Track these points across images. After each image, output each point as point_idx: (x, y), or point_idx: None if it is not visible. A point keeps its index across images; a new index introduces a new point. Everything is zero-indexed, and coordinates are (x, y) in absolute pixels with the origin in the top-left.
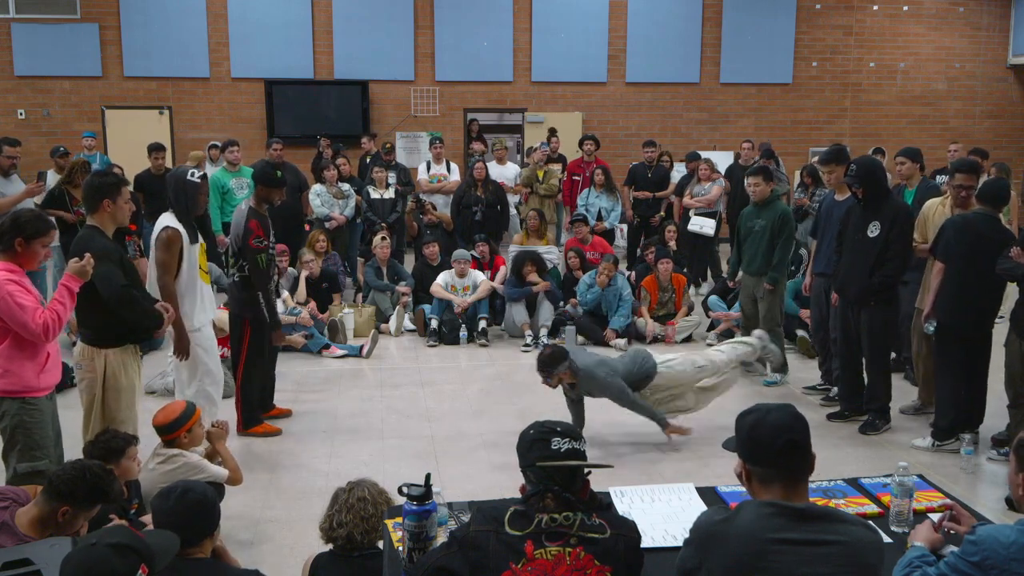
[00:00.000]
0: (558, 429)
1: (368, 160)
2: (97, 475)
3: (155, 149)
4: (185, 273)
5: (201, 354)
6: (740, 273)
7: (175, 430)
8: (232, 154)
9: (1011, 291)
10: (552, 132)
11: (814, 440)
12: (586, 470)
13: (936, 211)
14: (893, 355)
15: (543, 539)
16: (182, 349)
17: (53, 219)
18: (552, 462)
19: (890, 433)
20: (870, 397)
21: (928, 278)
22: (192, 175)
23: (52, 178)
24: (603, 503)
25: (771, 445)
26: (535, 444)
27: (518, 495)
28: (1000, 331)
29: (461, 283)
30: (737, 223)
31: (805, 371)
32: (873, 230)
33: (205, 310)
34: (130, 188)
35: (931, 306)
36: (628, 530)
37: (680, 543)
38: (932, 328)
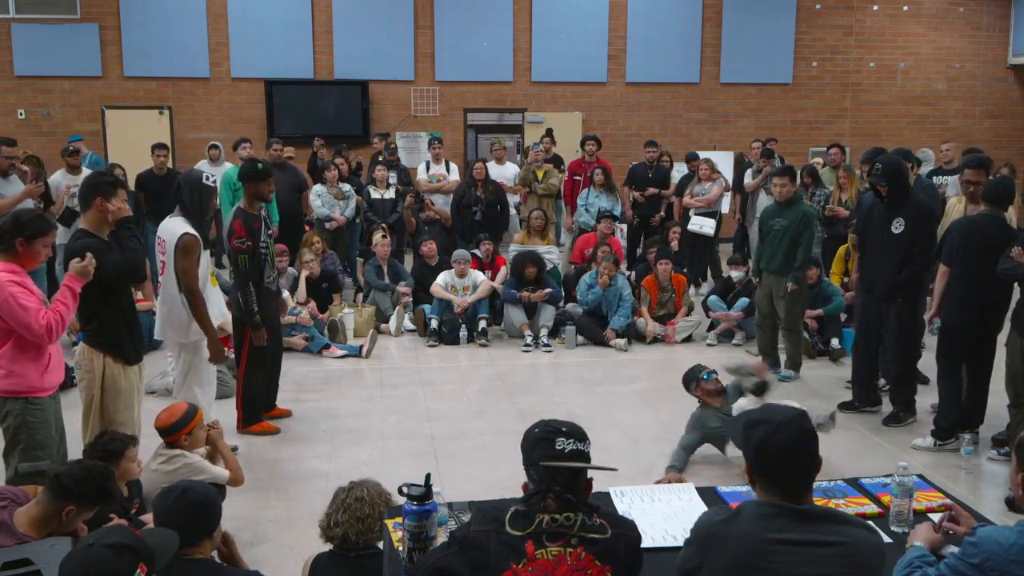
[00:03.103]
0: (563, 429)
1: (380, 160)
2: (104, 475)
3: (158, 147)
4: (202, 279)
5: (198, 361)
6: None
7: (176, 432)
8: (245, 151)
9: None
10: (547, 133)
11: None
12: (589, 472)
13: (954, 209)
14: None
15: (544, 539)
16: (217, 353)
17: (54, 219)
18: (556, 462)
19: (890, 433)
20: (896, 390)
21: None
22: (207, 179)
23: (62, 177)
24: (594, 506)
25: (777, 467)
26: (539, 443)
27: (518, 494)
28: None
29: (461, 283)
30: (759, 221)
31: (806, 370)
32: (897, 226)
33: (221, 312)
34: (129, 190)
35: (936, 307)
36: (628, 530)
37: (680, 543)
38: (935, 329)
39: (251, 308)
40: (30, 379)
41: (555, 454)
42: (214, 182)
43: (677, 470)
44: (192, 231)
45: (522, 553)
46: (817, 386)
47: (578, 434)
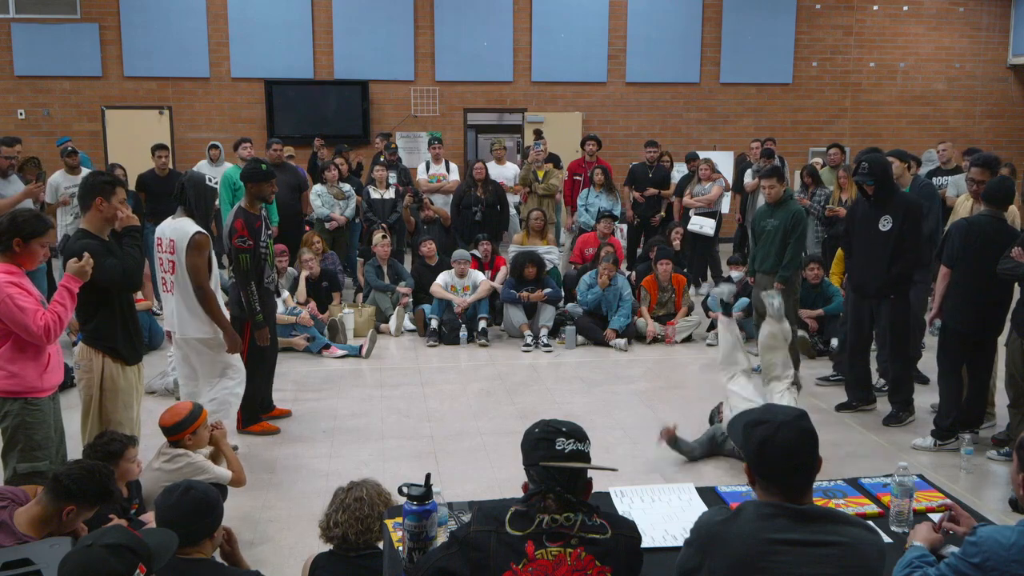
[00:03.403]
0: (563, 429)
1: (381, 160)
2: (105, 475)
3: (159, 148)
4: (212, 276)
5: (228, 357)
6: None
7: (180, 431)
8: (246, 151)
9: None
10: (537, 134)
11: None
12: (589, 472)
13: (963, 206)
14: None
15: (544, 539)
16: (235, 345)
17: (51, 219)
18: (556, 463)
19: (890, 433)
20: (894, 389)
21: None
22: (210, 180)
23: (61, 177)
24: (594, 506)
25: (779, 467)
26: (539, 443)
27: (518, 494)
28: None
29: (461, 283)
30: (752, 222)
31: (806, 370)
32: (885, 224)
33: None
34: (129, 189)
35: (937, 308)
36: (628, 530)
37: (680, 543)
38: (935, 330)
39: (254, 307)
40: (29, 379)
41: (555, 454)
42: (216, 184)
43: (672, 429)
44: (202, 230)
45: (522, 553)
46: (815, 386)
47: (578, 434)
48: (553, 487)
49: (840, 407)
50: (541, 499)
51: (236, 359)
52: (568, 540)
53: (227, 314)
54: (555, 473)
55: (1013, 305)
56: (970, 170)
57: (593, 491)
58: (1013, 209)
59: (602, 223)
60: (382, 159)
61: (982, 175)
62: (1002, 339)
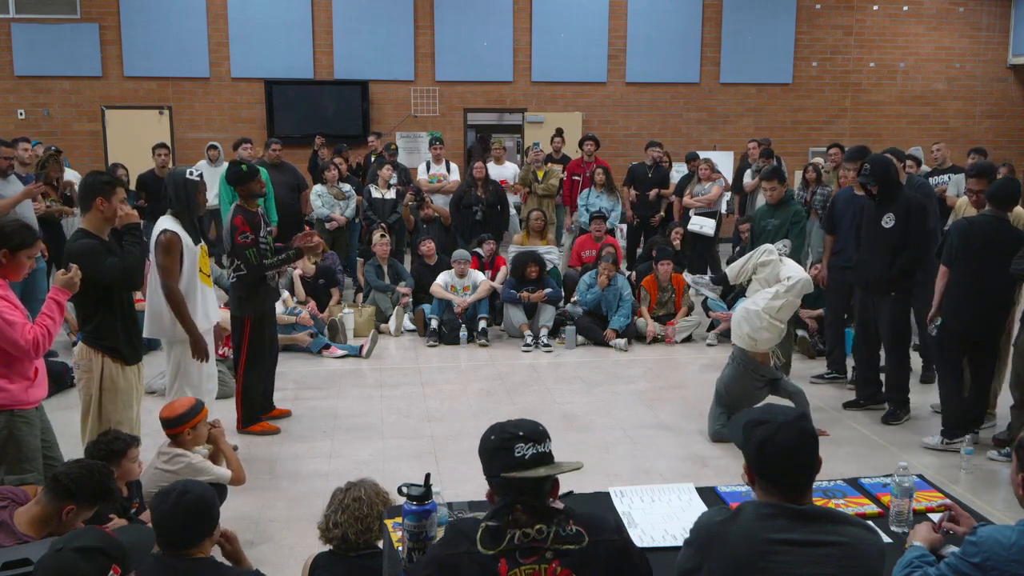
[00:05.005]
0: (520, 434)
1: (374, 159)
2: (104, 474)
3: (159, 148)
4: (186, 276)
5: (186, 360)
6: None
7: (180, 424)
8: (246, 151)
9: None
10: (558, 132)
11: None
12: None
13: (964, 209)
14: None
15: (517, 556)
16: (200, 352)
17: (38, 229)
18: (519, 473)
19: (891, 433)
20: (891, 388)
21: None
22: (191, 174)
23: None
24: (568, 511)
25: (778, 468)
26: (497, 453)
27: None
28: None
29: (461, 283)
30: (752, 223)
31: (806, 370)
32: (888, 221)
33: (208, 314)
34: (128, 188)
35: (936, 307)
36: (609, 533)
37: (680, 543)
38: (935, 329)
39: (279, 262)
40: (15, 393)
41: (515, 462)
42: (200, 176)
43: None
44: (172, 228)
45: (495, 574)
46: (814, 387)
47: (536, 436)
48: (519, 497)
49: (848, 404)
50: (508, 511)
51: (194, 368)
52: (542, 554)
53: (222, 315)
54: (519, 483)
55: (1022, 305)
56: (967, 180)
57: (593, 491)
58: (1020, 210)
59: (592, 224)
60: (374, 157)
61: (979, 185)
62: (1011, 340)
